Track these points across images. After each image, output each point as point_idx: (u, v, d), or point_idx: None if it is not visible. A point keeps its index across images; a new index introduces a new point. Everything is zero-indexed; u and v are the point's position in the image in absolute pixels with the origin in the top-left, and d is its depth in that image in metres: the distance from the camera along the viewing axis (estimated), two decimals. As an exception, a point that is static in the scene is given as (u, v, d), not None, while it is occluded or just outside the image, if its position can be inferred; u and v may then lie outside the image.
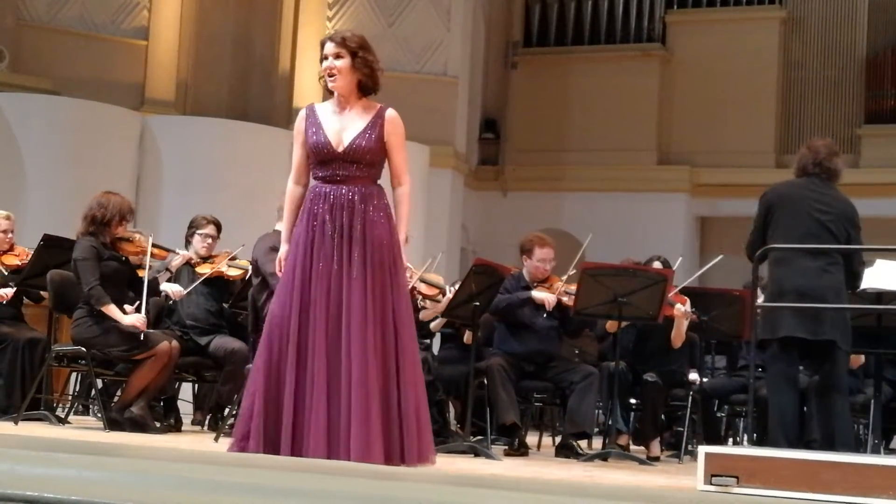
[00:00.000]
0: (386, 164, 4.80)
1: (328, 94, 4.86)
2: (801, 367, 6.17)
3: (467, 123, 14.40)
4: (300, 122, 4.81)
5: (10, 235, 7.48)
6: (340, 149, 4.67)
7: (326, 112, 4.77)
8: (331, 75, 4.71)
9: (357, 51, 4.70)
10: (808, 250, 5.81)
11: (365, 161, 4.69)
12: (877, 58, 14.84)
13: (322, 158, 4.70)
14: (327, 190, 4.68)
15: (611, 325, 7.14)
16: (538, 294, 7.03)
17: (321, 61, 4.76)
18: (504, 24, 16.14)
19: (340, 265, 4.59)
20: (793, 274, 5.82)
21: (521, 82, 15.93)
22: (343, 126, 4.71)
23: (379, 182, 4.78)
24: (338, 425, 4.45)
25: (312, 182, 4.80)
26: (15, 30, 12.01)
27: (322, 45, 4.77)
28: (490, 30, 15.69)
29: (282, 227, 4.97)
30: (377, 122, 4.72)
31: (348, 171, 4.68)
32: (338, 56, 4.71)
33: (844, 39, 15.07)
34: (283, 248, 4.79)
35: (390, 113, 4.76)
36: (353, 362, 4.48)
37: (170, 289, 7.15)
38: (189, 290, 7.16)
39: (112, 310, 6.51)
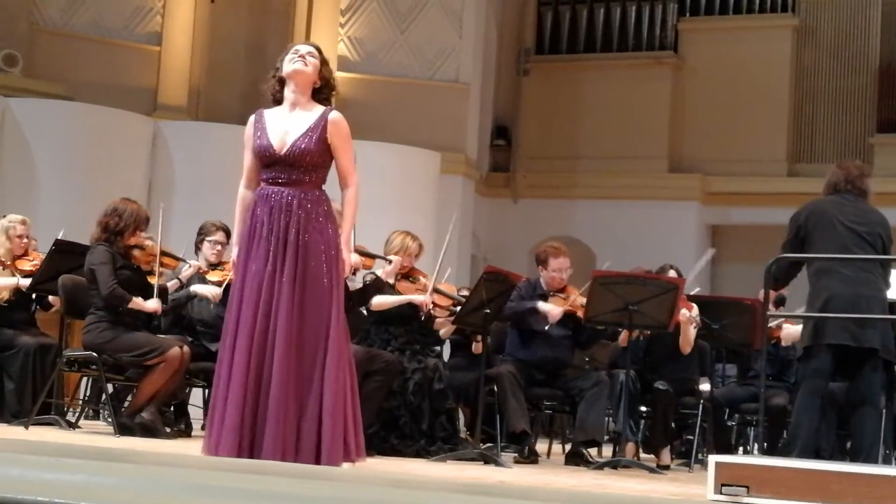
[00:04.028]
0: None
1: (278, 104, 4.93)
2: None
3: (479, 130, 14.40)
4: (249, 128, 4.88)
5: (25, 240, 7.48)
6: (283, 151, 4.74)
7: (274, 116, 4.85)
8: (305, 63, 4.79)
9: (324, 61, 4.87)
10: (842, 260, 5.85)
11: (305, 164, 4.74)
12: (890, 66, 14.81)
13: (266, 162, 4.78)
14: (269, 192, 4.76)
15: (623, 339, 7.13)
16: (544, 306, 7.01)
17: (291, 61, 4.82)
18: (516, 31, 16.14)
19: (273, 267, 4.67)
20: (835, 283, 5.86)
21: (533, 89, 15.92)
22: (287, 129, 4.78)
23: (323, 187, 4.82)
24: (252, 424, 4.56)
25: (260, 184, 4.85)
26: (28, 35, 12.05)
27: (291, 48, 4.89)
28: (502, 37, 15.70)
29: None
30: (320, 124, 4.76)
31: (290, 174, 4.74)
32: (311, 55, 4.84)
33: (857, 48, 15.04)
34: (234, 252, 4.88)
35: (333, 115, 4.79)
36: (274, 363, 4.58)
37: (207, 291, 7.10)
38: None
39: (137, 302, 6.61)
